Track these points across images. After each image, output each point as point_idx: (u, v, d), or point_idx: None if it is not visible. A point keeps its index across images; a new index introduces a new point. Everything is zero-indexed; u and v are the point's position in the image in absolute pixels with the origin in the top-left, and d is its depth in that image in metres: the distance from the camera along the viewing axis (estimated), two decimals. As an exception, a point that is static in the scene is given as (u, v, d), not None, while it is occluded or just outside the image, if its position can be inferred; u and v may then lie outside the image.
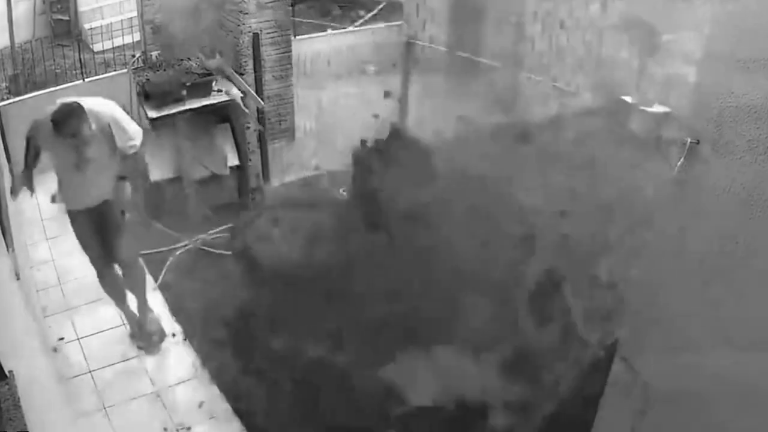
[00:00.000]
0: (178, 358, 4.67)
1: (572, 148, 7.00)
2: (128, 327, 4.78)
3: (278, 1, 6.12)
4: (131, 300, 4.70)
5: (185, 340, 4.82)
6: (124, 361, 4.62)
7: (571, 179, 6.21)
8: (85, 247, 4.39)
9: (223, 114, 6.13)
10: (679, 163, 2.37)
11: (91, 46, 8.64)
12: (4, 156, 5.55)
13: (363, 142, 6.35)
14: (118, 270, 4.53)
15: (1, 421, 2.02)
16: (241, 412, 4.28)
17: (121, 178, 4.20)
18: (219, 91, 5.77)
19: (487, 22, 8.02)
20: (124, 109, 4.27)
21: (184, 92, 5.55)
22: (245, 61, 5.87)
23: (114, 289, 4.59)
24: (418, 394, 3.86)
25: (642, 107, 7.45)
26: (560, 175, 6.35)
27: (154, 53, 5.94)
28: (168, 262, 5.56)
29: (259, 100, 5.89)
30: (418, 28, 8.77)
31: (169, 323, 4.96)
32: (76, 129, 3.77)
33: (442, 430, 3.86)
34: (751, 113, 2.12)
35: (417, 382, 3.98)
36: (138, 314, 4.72)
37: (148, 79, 5.60)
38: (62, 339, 4.76)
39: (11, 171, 5.47)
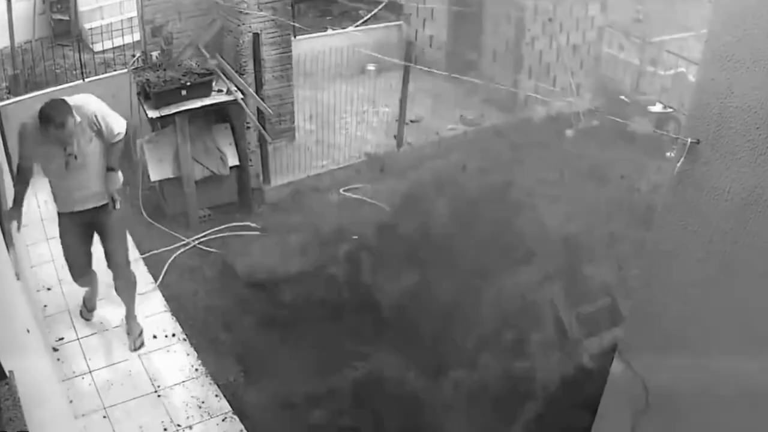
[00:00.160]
0: (178, 358, 4.67)
1: (572, 148, 7.02)
2: (84, 301, 4.92)
3: (278, 1, 6.12)
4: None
5: (185, 340, 4.83)
6: (124, 361, 4.62)
7: (571, 179, 6.23)
8: (70, 252, 4.46)
9: (223, 114, 6.14)
10: (679, 163, 2.36)
11: (91, 46, 8.64)
12: (4, 156, 5.54)
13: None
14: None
15: (1, 421, 2.02)
16: (241, 412, 4.28)
17: (110, 169, 4.22)
18: (219, 91, 5.77)
19: (487, 22, 8.03)
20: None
21: (184, 92, 5.55)
22: (245, 61, 5.86)
23: (89, 283, 4.76)
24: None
25: (642, 107, 7.47)
26: (560, 175, 6.37)
27: (154, 53, 5.94)
28: (168, 262, 5.56)
29: (266, 107, 5.90)
30: (418, 28, 8.79)
31: (169, 323, 4.97)
32: (63, 120, 3.84)
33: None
34: (751, 113, 2.12)
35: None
36: (124, 320, 4.80)
37: (148, 79, 5.59)
38: (62, 339, 4.76)
39: (11, 171, 5.47)
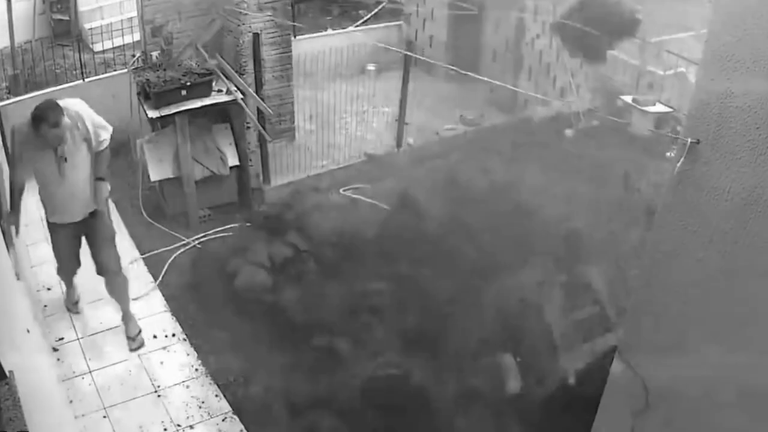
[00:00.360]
0: (178, 358, 4.67)
1: (572, 148, 7.01)
2: (65, 296, 5.01)
3: (278, 1, 6.12)
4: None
5: (185, 340, 4.82)
6: (124, 361, 4.62)
7: (571, 179, 6.22)
8: (61, 258, 4.57)
9: (223, 114, 6.14)
10: (679, 163, 2.36)
11: (91, 46, 8.63)
12: (4, 156, 5.55)
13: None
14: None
15: (1, 421, 2.02)
16: (241, 412, 4.28)
17: (99, 178, 4.28)
18: (219, 91, 5.76)
19: (487, 22, 8.03)
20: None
21: (184, 92, 5.54)
22: (245, 61, 5.86)
23: (72, 282, 4.86)
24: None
25: (642, 107, 7.48)
26: (560, 175, 6.36)
27: (154, 53, 5.94)
28: (168, 262, 5.56)
29: (266, 107, 5.90)
30: (418, 28, 8.79)
31: (169, 323, 4.97)
32: (57, 119, 3.88)
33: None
34: (751, 113, 2.12)
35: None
36: (122, 321, 4.83)
37: (148, 79, 5.59)
38: (62, 339, 4.76)
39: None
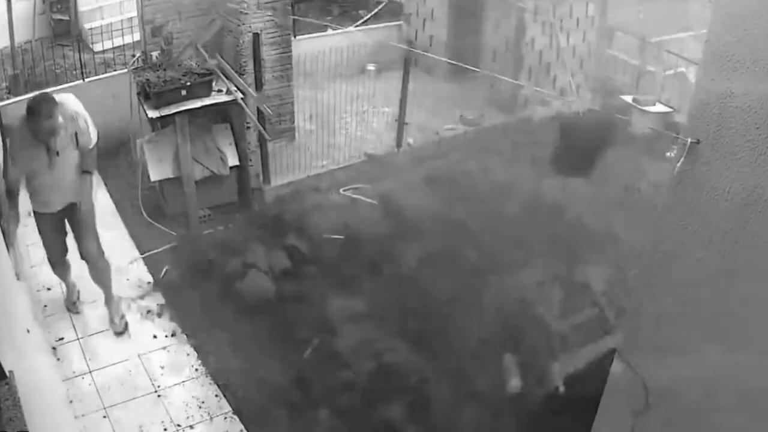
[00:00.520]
0: (178, 358, 4.67)
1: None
2: (66, 295, 5.05)
3: (278, 1, 6.12)
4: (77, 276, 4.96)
5: (185, 340, 4.82)
6: (124, 361, 4.62)
7: (570, 179, 6.22)
8: (49, 245, 4.66)
9: (223, 114, 6.14)
10: (679, 163, 2.36)
11: (91, 46, 8.63)
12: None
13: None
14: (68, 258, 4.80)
15: (1, 421, 2.02)
16: (241, 412, 4.28)
17: (85, 171, 4.38)
18: (219, 91, 5.76)
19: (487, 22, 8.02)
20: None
21: (184, 92, 5.54)
22: (245, 61, 5.86)
23: (64, 273, 4.90)
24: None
25: (642, 107, 7.47)
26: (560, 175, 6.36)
27: (154, 53, 5.93)
28: (168, 262, 5.56)
29: (266, 107, 5.90)
30: (418, 28, 8.79)
31: (169, 323, 4.97)
32: (51, 112, 3.95)
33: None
34: (751, 113, 2.12)
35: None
36: (105, 305, 4.90)
37: (148, 79, 5.59)
38: (62, 339, 4.76)
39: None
